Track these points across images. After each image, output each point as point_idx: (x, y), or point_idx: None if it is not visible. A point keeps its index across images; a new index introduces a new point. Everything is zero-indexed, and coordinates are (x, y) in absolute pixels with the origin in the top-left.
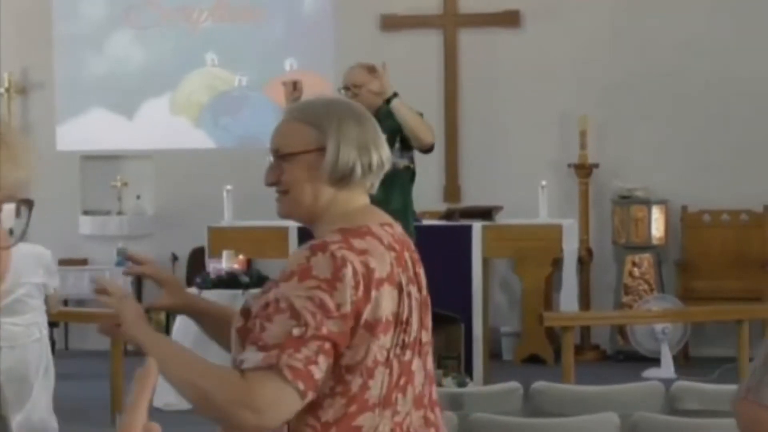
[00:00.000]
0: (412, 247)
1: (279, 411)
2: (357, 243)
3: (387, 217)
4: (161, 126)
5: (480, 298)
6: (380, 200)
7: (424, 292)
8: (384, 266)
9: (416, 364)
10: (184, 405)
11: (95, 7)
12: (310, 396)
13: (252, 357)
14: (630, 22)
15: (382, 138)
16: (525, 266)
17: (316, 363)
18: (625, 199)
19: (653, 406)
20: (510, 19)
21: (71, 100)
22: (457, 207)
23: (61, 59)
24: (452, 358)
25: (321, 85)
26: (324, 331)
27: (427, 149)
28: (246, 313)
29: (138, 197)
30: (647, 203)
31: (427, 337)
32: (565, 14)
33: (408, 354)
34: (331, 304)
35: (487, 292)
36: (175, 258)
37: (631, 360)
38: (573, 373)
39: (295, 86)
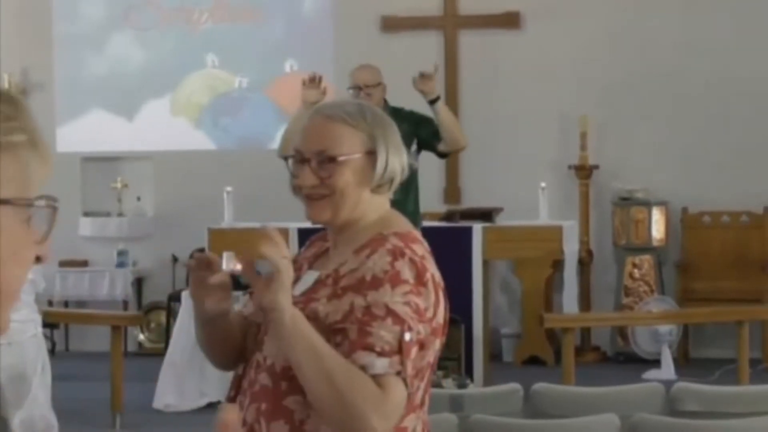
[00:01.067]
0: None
1: (400, 413)
2: (416, 248)
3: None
4: (161, 127)
5: (480, 299)
6: (398, 201)
7: None
8: (437, 271)
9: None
10: (183, 406)
11: (95, 7)
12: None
13: (377, 363)
14: (630, 23)
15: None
16: (525, 268)
17: (411, 366)
18: (626, 201)
19: (653, 407)
20: (510, 21)
21: (71, 101)
22: (458, 208)
23: (61, 60)
24: (452, 359)
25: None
26: (422, 335)
27: (458, 150)
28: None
29: (138, 198)
30: (647, 204)
31: None
32: (565, 15)
33: (438, 352)
34: (422, 307)
35: (487, 293)
36: (175, 259)
37: (632, 361)
38: (573, 374)
39: (319, 81)
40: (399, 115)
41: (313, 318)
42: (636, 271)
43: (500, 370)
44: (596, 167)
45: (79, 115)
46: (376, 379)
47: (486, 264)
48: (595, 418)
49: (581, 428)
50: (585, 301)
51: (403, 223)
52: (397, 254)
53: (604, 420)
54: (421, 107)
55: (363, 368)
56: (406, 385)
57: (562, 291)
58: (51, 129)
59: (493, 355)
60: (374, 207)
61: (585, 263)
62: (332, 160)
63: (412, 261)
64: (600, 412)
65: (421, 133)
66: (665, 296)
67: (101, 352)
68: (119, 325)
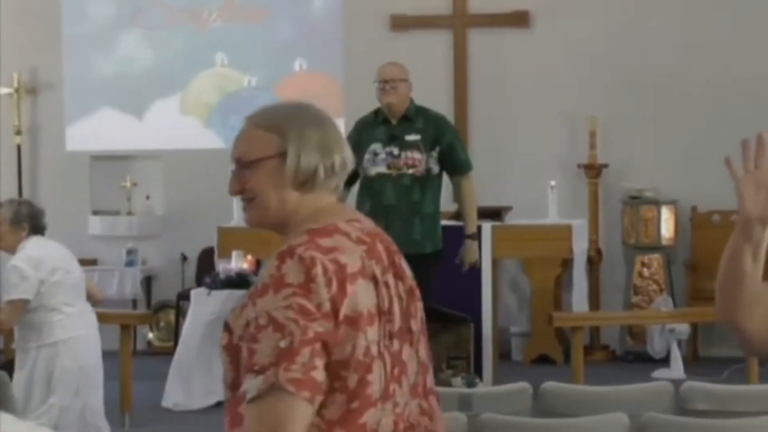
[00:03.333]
0: (388, 238)
1: (295, 425)
2: (324, 242)
3: (354, 213)
4: (170, 126)
5: (489, 298)
6: (417, 201)
7: (409, 281)
8: (355, 261)
9: (407, 353)
10: (192, 405)
11: (104, 7)
12: (319, 400)
13: (252, 384)
14: (638, 22)
15: (344, 140)
16: (534, 267)
17: (314, 367)
18: (635, 200)
19: (663, 406)
20: (519, 20)
21: (80, 100)
22: None
23: (71, 60)
24: (461, 358)
25: (330, 85)
26: (311, 333)
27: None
28: (228, 328)
29: (147, 197)
30: (657, 203)
31: (416, 325)
32: (574, 14)
33: (396, 344)
34: (310, 306)
35: (496, 292)
36: (184, 258)
37: (641, 360)
38: (582, 373)
39: None
40: (424, 115)
41: (228, 330)
42: (645, 270)
43: (509, 369)
44: (605, 166)
45: (89, 114)
46: (252, 403)
47: (495, 263)
48: (605, 417)
49: (590, 427)
50: (594, 300)
51: (342, 214)
52: (285, 256)
53: (614, 419)
54: (430, 107)
55: (244, 395)
56: (290, 393)
57: (571, 290)
58: (60, 128)
59: (502, 354)
60: (306, 205)
61: (594, 262)
62: (246, 165)
63: (301, 259)
64: (609, 411)
65: (443, 153)
66: (666, 296)
67: (110, 351)
68: (128, 324)
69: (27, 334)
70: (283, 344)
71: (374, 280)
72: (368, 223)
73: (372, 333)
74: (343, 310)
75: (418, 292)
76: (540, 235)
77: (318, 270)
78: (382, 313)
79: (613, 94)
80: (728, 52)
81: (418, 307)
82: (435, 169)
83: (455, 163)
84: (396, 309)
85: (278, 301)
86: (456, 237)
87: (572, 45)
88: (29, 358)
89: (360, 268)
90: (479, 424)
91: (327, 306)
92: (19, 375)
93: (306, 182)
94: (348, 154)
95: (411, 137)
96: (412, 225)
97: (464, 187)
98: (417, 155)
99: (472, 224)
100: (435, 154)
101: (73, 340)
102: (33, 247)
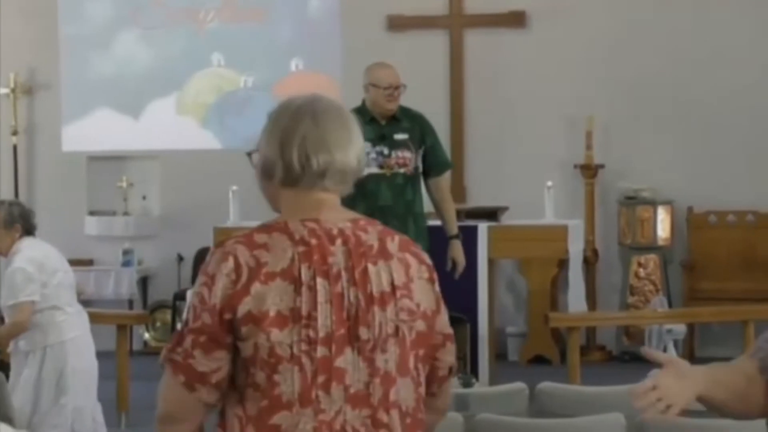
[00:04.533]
0: (354, 241)
1: (170, 402)
2: (259, 237)
3: (328, 213)
4: (167, 126)
5: (486, 298)
6: (410, 200)
7: (374, 287)
8: (279, 261)
9: (348, 361)
10: None
11: (101, 7)
12: (202, 388)
13: (162, 352)
14: (635, 23)
15: (347, 139)
16: (531, 267)
17: (193, 356)
18: (631, 200)
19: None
20: (516, 20)
21: (77, 100)
22: (463, 207)
23: (67, 60)
24: (458, 358)
25: (327, 86)
26: (198, 324)
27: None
28: None
29: (144, 198)
30: (653, 204)
31: (371, 333)
32: (571, 15)
33: (323, 350)
34: (207, 296)
35: (492, 292)
36: (180, 258)
37: (637, 360)
38: (579, 373)
39: None
40: (407, 114)
41: None
42: (641, 270)
43: (506, 369)
44: (602, 166)
45: (85, 114)
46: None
47: (491, 263)
48: (601, 417)
49: (587, 427)
50: (590, 300)
51: (302, 212)
52: (217, 246)
53: (610, 419)
54: (427, 107)
55: None
56: (170, 372)
57: (567, 290)
58: (57, 128)
59: (499, 355)
60: (287, 199)
61: (590, 262)
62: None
63: (222, 252)
64: (606, 411)
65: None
66: (662, 297)
67: (107, 351)
68: (125, 324)
69: (32, 336)
70: (179, 326)
71: (296, 282)
72: (329, 225)
73: (279, 335)
74: (243, 308)
75: (393, 300)
76: (536, 235)
77: (229, 264)
78: (299, 317)
79: (610, 94)
80: (724, 53)
81: (387, 315)
82: (420, 167)
83: (437, 162)
84: (321, 315)
85: (195, 287)
86: (447, 238)
87: (568, 45)
88: (34, 359)
89: (283, 269)
90: (476, 424)
91: (217, 300)
92: (26, 376)
93: (271, 176)
94: (350, 153)
95: (400, 136)
96: (407, 224)
97: (444, 188)
98: (407, 154)
99: (455, 224)
100: (421, 152)
101: (79, 338)
102: (31, 248)
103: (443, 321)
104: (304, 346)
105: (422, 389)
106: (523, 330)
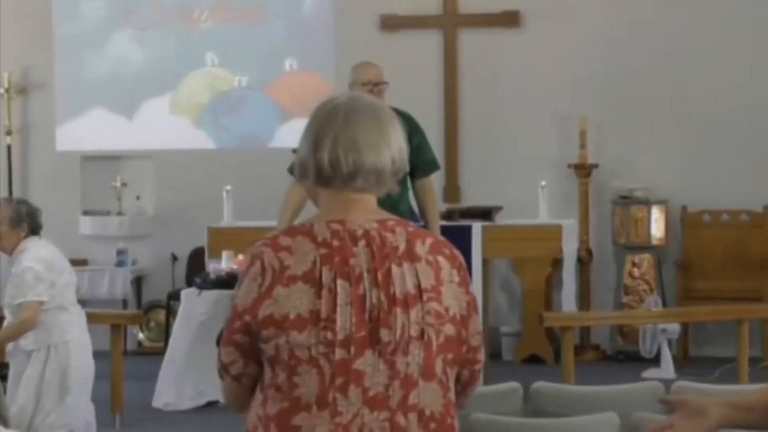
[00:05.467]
0: (378, 242)
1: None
2: (284, 240)
3: (357, 213)
4: (161, 126)
5: (480, 298)
6: (395, 200)
7: (398, 289)
8: (302, 264)
9: (368, 363)
10: (183, 405)
11: (95, 7)
12: (227, 377)
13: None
14: (629, 22)
15: (386, 142)
16: (525, 266)
17: (225, 349)
18: (625, 199)
19: (653, 406)
20: (510, 20)
21: (71, 100)
22: (457, 207)
23: (62, 59)
24: None
25: (321, 86)
26: (236, 324)
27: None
28: None
29: (138, 197)
30: (647, 203)
31: (393, 335)
32: (565, 14)
33: (341, 352)
34: (238, 297)
35: (487, 292)
36: (174, 258)
37: (631, 360)
38: (573, 373)
39: None
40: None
41: None
42: (636, 269)
43: (500, 368)
44: (596, 166)
45: (80, 114)
46: None
47: (486, 263)
48: (595, 417)
49: (581, 427)
50: (584, 299)
51: (331, 213)
52: (252, 248)
53: (604, 419)
54: (421, 107)
55: None
56: (227, 370)
57: (561, 290)
58: (51, 128)
59: (493, 354)
60: (324, 199)
61: (585, 262)
62: None
63: (251, 255)
64: (600, 410)
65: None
66: (657, 296)
67: (101, 351)
68: (119, 324)
69: (36, 335)
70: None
71: (318, 285)
72: (354, 225)
73: (299, 337)
74: (265, 311)
75: (419, 303)
76: (530, 234)
77: (255, 267)
78: (318, 320)
79: (604, 93)
80: (720, 53)
81: (411, 318)
82: (407, 167)
83: (424, 162)
84: (341, 317)
85: (236, 285)
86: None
87: (563, 45)
88: (38, 358)
89: (304, 272)
90: (470, 424)
91: (247, 302)
92: (29, 375)
93: (306, 175)
94: (384, 154)
95: None
96: None
97: (429, 191)
98: None
99: (438, 226)
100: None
101: (80, 338)
102: (38, 248)
103: (474, 325)
104: (322, 348)
105: (451, 394)
106: (518, 329)
